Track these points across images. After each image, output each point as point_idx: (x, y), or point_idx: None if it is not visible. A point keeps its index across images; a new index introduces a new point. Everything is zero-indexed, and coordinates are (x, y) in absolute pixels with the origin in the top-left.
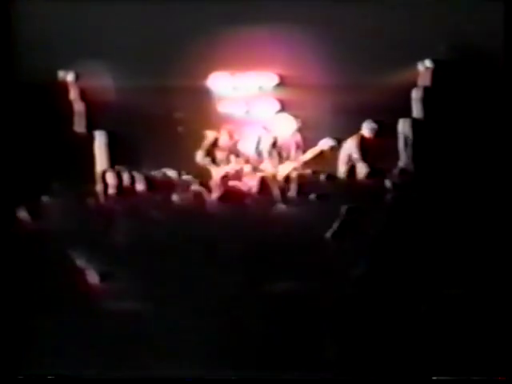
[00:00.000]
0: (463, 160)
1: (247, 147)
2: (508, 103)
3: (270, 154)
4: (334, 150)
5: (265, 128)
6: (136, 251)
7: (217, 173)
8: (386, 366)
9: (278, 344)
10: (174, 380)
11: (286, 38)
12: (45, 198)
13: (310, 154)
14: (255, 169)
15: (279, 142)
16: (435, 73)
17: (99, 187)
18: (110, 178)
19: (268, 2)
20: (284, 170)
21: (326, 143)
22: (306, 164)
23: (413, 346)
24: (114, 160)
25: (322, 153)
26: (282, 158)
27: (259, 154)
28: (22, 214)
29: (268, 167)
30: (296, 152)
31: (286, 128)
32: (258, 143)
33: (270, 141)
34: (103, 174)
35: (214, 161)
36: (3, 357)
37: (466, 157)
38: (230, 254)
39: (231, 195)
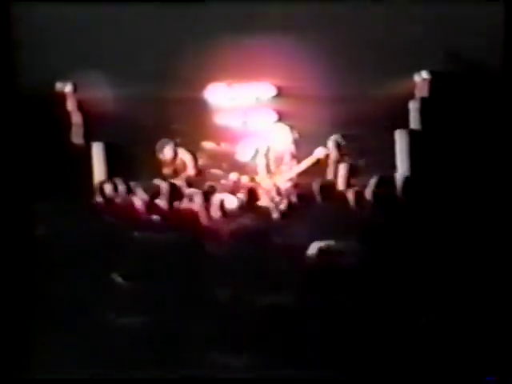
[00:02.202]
0: (461, 170)
1: (244, 158)
2: (506, 113)
3: (265, 164)
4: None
5: (261, 139)
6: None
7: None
8: (385, 374)
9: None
10: (174, 380)
11: (283, 48)
12: (42, 209)
13: (306, 163)
14: (252, 179)
15: (275, 153)
16: (432, 84)
17: (97, 198)
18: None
19: (266, 13)
20: (279, 180)
21: (321, 152)
22: (302, 174)
23: (412, 355)
24: (111, 171)
25: (318, 162)
26: (277, 169)
27: (255, 164)
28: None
29: (264, 178)
30: (291, 162)
31: (282, 138)
32: (255, 154)
33: (266, 151)
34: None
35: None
36: (5, 358)
37: (464, 167)
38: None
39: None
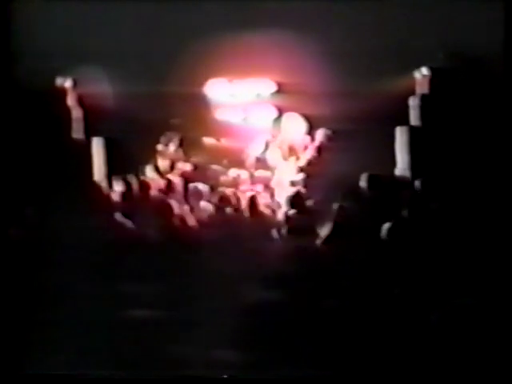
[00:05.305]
0: (461, 167)
1: (250, 154)
2: (507, 110)
3: (276, 159)
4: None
5: (271, 133)
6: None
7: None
8: (392, 375)
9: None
10: (175, 380)
11: (283, 44)
12: (42, 204)
13: (311, 150)
14: (252, 176)
15: (288, 144)
16: (433, 80)
17: (97, 193)
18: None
19: (266, 9)
20: (290, 173)
21: (322, 134)
22: (312, 164)
23: (421, 354)
24: (111, 166)
25: (321, 146)
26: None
27: (263, 160)
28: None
29: (264, 174)
30: (304, 154)
31: (296, 129)
32: (265, 149)
33: (277, 145)
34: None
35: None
36: (6, 354)
37: (464, 164)
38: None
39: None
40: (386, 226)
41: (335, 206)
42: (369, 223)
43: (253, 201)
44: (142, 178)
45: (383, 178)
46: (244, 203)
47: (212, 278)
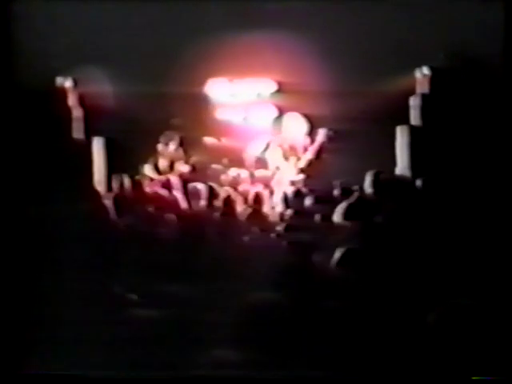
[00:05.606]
0: (461, 166)
1: (250, 153)
2: (506, 110)
3: (276, 159)
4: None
5: (272, 133)
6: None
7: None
8: (391, 375)
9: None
10: (175, 380)
11: (284, 44)
12: (42, 203)
13: (312, 151)
14: (252, 175)
15: (288, 143)
16: (433, 80)
17: (97, 193)
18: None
19: (266, 9)
20: (291, 172)
21: (322, 134)
22: (312, 164)
23: (418, 354)
24: (111, 166)
25: (322, 147)
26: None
27: (263, 160)
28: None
29: (264, 173)
30: (304, 154)
31: (296, 129)
32: (266, 149)
33: (278, 145)
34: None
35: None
36: (6, 354)
37: (465, 163)
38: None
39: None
40: (386, 225)
41: (355, 187)
42: (368, 222)
43: (258, 198)
44: (140, 177)
45: (387, 177)
46: (246, 201)
47: (212, 278)
